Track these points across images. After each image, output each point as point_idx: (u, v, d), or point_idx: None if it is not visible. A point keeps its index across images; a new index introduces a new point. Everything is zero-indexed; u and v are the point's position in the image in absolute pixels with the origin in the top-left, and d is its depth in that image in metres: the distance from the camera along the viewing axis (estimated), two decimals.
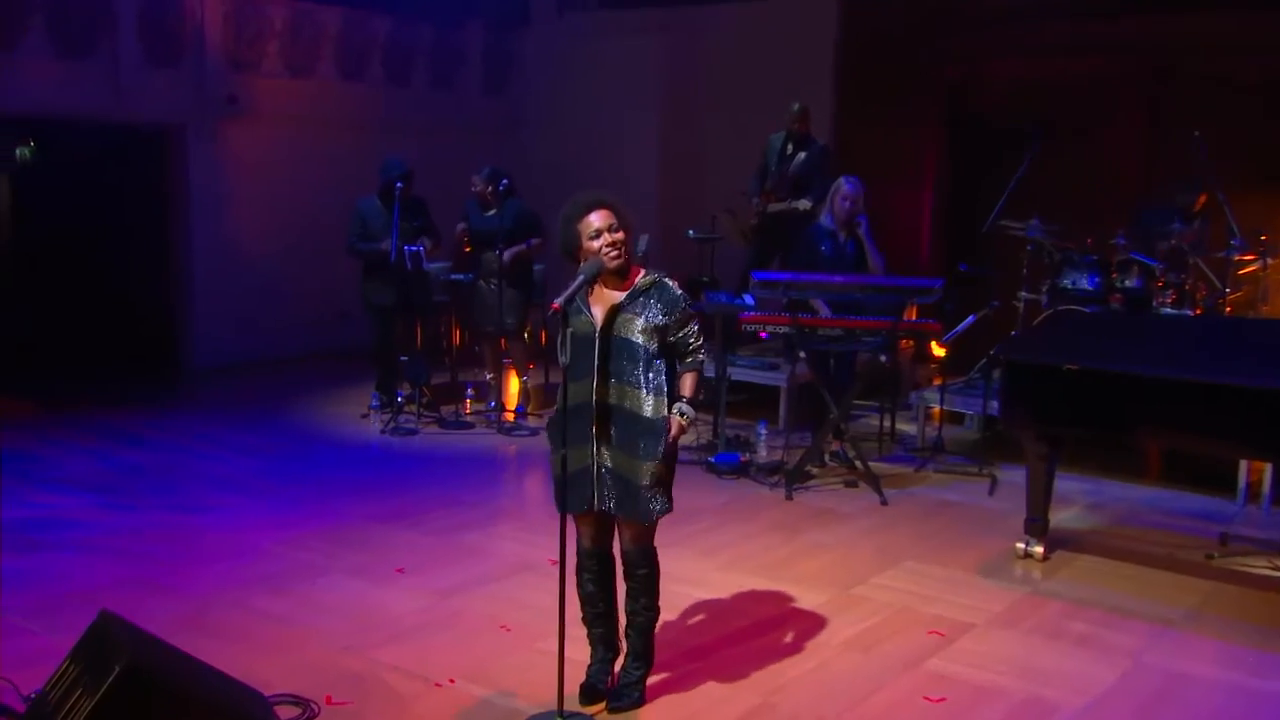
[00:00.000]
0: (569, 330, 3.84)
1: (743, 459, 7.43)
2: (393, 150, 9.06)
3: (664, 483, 3.92)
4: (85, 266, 10.97)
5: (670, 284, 3.91)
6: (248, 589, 5.21)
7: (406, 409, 8.44)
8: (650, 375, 3.83)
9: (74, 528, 6.04)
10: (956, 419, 8.69)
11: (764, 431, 7.72)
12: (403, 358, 8.57)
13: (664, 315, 3.86)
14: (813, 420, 7.63)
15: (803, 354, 7.07)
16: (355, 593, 5.22)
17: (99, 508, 6.42)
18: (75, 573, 5.40)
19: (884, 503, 6.81)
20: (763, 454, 7.60)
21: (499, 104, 12.52)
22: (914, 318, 7.95)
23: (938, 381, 8.27)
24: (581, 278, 3.86)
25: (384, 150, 8.95)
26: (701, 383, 3.98)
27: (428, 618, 4.95)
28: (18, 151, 12.12)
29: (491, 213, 8.53)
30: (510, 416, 8.45)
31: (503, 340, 8.55)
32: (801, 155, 8.82)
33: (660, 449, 3.83)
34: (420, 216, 8.39)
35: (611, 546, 4.18)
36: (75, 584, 5.25)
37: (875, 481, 6.96)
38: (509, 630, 4.81)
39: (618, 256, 3.85)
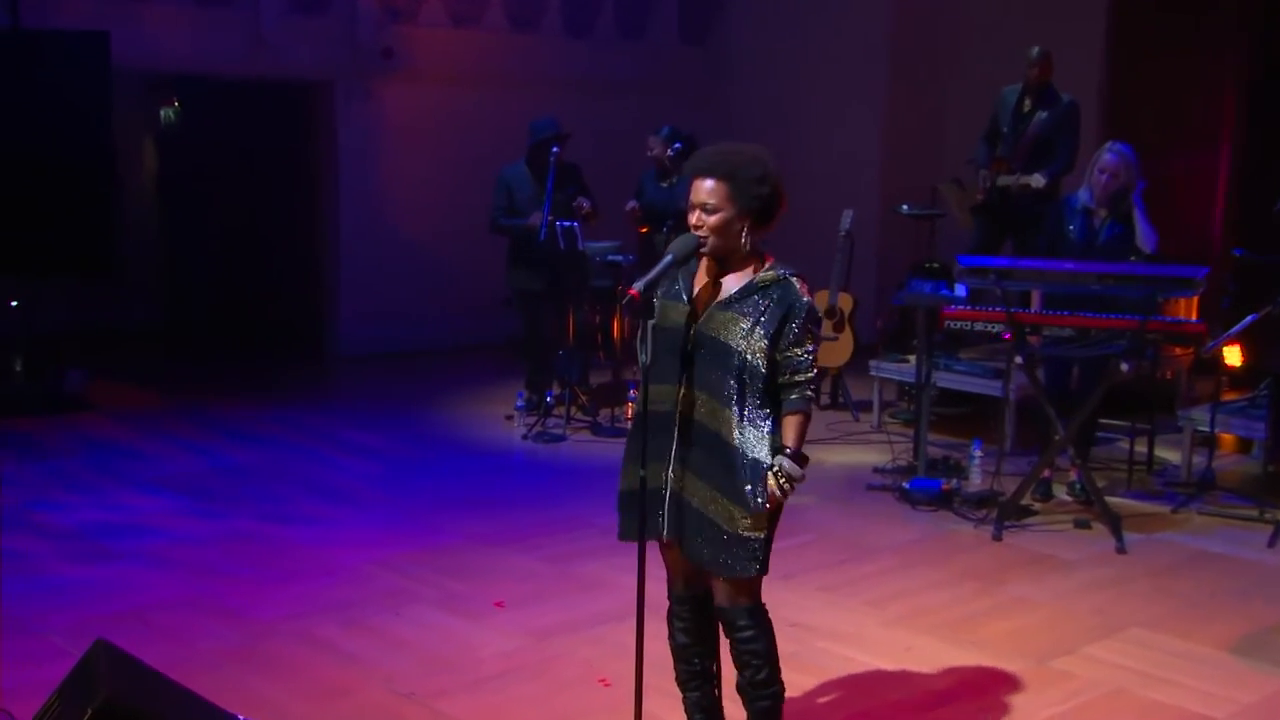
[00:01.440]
0: (651, 323, 3.58)
1: (945, 487, 6.98)
2: (572, 112, 8.94)
3: (758, 537, 3.62)
4: (225, 243, 11.43)
5: (797, 285, 3.61)
6: (318, 617, 5.20)
7: (556, 411, 8.32)
8: (746, 395, 3.56)
9: (152, 536, 6.20)
10: (1245, 446, 7.97)
11: (978, 454, 7.22)
12: (561, 353, 8.49)
13: (778, 323, 3.57)
14: (1043, 442, 7.09)
15: (1020, 359, 6.54)
16: (439, 628, 5.14)
17: (187, 514, 6.59)
18: (137, 588, 5.51)
19: (1121, 550, 6.24)
20: (975, 481, 7.11)
21: (698, 56, 12.32)
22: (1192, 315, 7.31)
23: (1230, 397, 7.58)
24: (669, 258, 3.62)
25: (562, 113, 8.83)
26: (807, 429, 3.64)
27: (515, 663, 4.80)
28: (162, 113, 12.90)
29: (668, 182, 8.33)
30: None
31: None
32: (1043, 114, 8.21)
33: (755, 498, 3.57)
34: (574, 185, 8.30)
35: (709, 590, 3.87)
36: (132, 601, 5.35)
37: (1114, 522, 6.39)
38: (608, 685, 4.59)
39: (704, 242, 3.61)
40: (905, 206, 9.32)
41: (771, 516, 3.63)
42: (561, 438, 8.12)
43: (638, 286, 3.54)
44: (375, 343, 10.65)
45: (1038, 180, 8.09)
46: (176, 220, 11.96)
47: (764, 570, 3.65)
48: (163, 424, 8.37)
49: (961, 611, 5.45)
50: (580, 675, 4.68)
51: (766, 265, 3.64)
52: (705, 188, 3.57)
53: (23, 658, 4.47)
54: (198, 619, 5.14)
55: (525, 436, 8.15)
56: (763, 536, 3.60)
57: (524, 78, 11.04)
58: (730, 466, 3.57)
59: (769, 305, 3.57)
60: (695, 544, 3.66)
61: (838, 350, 9.02)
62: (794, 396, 3.59)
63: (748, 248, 3.62)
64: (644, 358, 3.57)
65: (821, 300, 9.06)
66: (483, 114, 10.78)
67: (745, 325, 3.55)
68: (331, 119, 10.42)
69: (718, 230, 3.58)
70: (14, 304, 9.56)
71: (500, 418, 8.66)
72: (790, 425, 3.59)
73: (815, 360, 3.61)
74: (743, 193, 3.56)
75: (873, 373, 8.85)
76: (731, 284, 3.64)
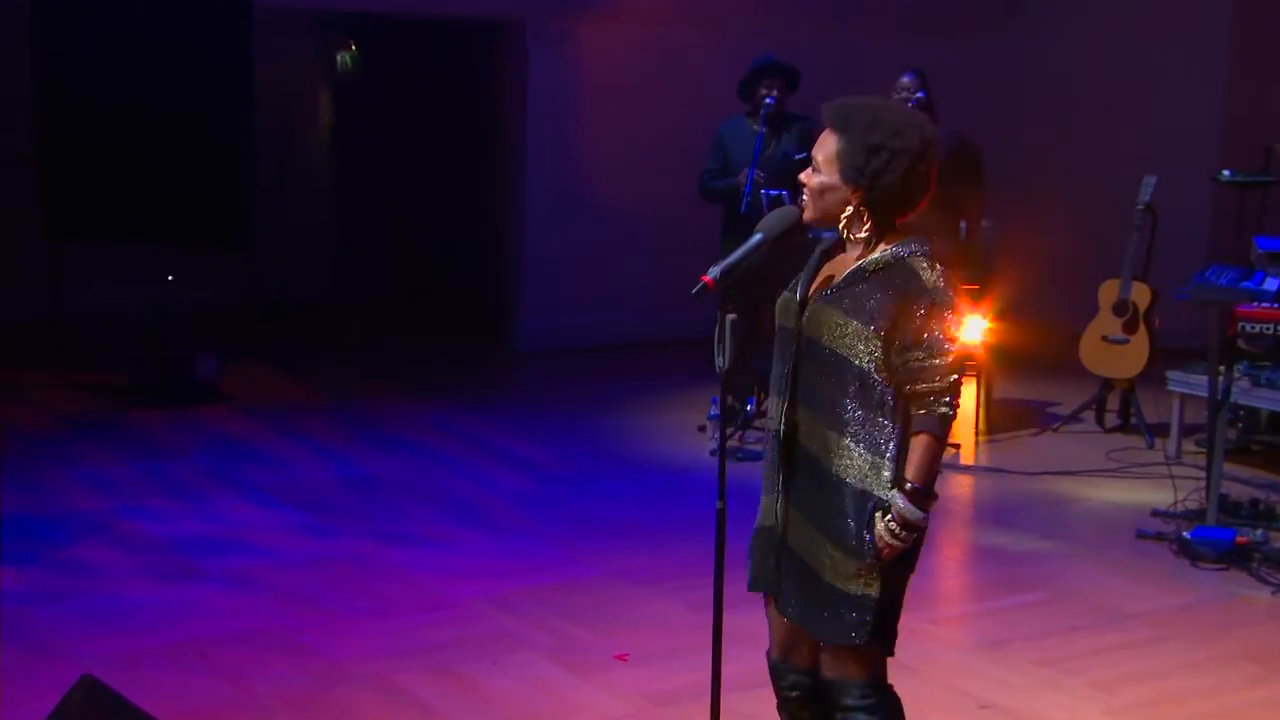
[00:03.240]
0: (731, 318, 3.48)
1: (1240, 539, 6.49)
2: (819, 62, 8.79)
3: (867, 595, 3.43)
4: (400, 211, 11.67)
5: (920, 265, 3.41)
6: (403, 660, 5.21)
7: (758, 423, 8.16)
8: (856, 411, 3.39)
9: (247, 554, 6.34)
10: None
11: None
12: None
13: (891, 317, 3.37)
14: None
15: None
16: (541, 683, 5.09)
17: (294, 530, 6.73)
18: (207, 614, 5.64)
19: None
20: None
21: None
22: None
23: None
24: (757, 236, 3.54)
25: (805, 64, 8.59)
26: (938, 456, 3.42)
27: None
28: (339, 58, 13.28)
29: None
30: None
31: None
32: None
33: (864, 545, 3.40)
34: (797, 145, 8.06)
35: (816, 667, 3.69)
36: (197, 629, 5.46)
37: None
38: None
39: (804, 208, 3.52)
40: (1227, 173, 9.02)
41: (890, 572, 3.45)
42: (759, 455, 7.88)
43: (713, 272, 3.48)
44: (561, 334, 10.66)
45: None
46: (350, 182, 12.30)
47: (882, 647, 3.51)
48: (299, 422, 8.59)
49: (1220, 704, 5.08)
50: None
51: (885, 244, 3.44)
52: (822, 139, 3.50)
53: (47, 690, 4.53)
54: (264, 655, 5.20)
55: (713, 453, 7.97)
56: (873, 596, 3.43)
57: (753, 18, 10.83)
58: (835, 503, 3.43)
59: (879, 294, 3.38)
60: (790, 597, 3.57)
61: (1129, 357, 8.60)
62: (920, 413, 3.40)
63: (862, 233, 3.45)
64: (720, 360, 3.49)
65: (1110, 293, 8.64)
66: (700, 60, 10.63)
67: (849, 322, 3.40)
68: (522, 66, 10.52)
69: (815, 194, 3.47)
70: (170, 278, 10.00)
71: (693, 428, 8.53)
72: (912, 451, 3.40)
73: (951, 364, 3.39)
74: (851, 155, 3.41)
75: (1171, 387, 8.34)
76: (844, 270, 3.50)
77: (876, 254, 3.42)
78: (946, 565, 6.56)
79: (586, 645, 5.38)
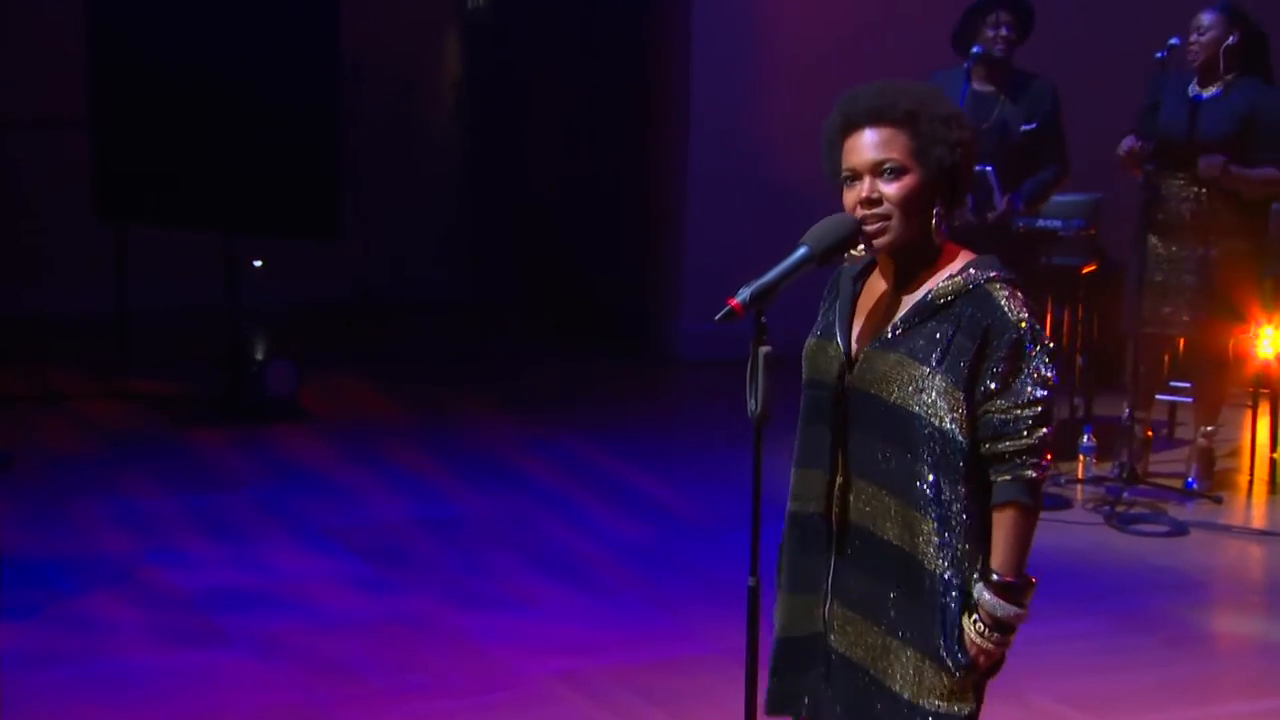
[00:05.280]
0: (765, 350, 3.35)
1: None
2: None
3: (959, 714, 3.35)
4: (538, 189, 11.70)
5: (999, 294, 3.28)
6: None
7: None
8: (946, 487, 3.28)
9: (286, 612, 6.39)
10: None
11: None
12: None
13: (971, 359, 3.30)
14: None
15: None
16: None
17: (349, 584, 6.79)
18: (220, 689, 5.66)
19: None
20: None
21: None
22: None
23: None
24: (800, 251, 3.34)
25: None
26: (1030, 533, 3.31)
27: None
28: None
29: (1212, 91, 7.88)
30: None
31: (1180, 346, 8.37)
32: None
33: (955, 654, 3.31)
34: (1033, 113, 8.00)
35: None
36: (203, 707, 5.51)
37: None
38: None
39: (880, 232, 3.34)
40: None
41: (982, 681, 3.38)
42: None
43: (742, 295, 3.34)
44: (728, 340, 10.49)
45: None
46: (481, 151, 12.37)
47: None
48: (386, 446, 8.66)
49: None
50: None
51: (958, 265, 3.33)
52: (875, 141, 3.32)
53: None
54: None
55: None
56: (963, 716, 3.34)
57: None
58: (915, 600, 3.35)
59: (955, 332, 3.27)
60: (842, 704, 3.47)
61: None
62: (1004, 479, 3.27)
63: (940, 239, 3.35)
64: (753, 405, 3.39)
65: None
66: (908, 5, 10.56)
67: (924, 372, 3.29)
68: (684, 6, 10.54)
69: (906, 206, 3.30)
70: (257, 263, 10.17)
71: None
72: (998, 530, 3.29)
73: (1040, 416, 3.26)
74: (933, 142, 3.30)
75: None
76: (905, 306, 3.39)
77: (950, 281, 3.30)
78: (1177, 654, 6.37)
79: None
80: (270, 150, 8.72)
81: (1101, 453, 8.35)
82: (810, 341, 3.52)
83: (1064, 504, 7.95)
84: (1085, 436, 8.32)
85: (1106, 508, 7.83)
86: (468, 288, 12.28)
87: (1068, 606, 6.53)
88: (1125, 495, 7.87)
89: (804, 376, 3.49)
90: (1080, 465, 8.29)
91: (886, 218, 3.29)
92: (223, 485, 7.93)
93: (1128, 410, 8.18)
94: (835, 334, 3.46)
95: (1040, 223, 8.16)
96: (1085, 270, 9.03)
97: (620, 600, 6.65)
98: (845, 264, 3.52)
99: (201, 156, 8.77)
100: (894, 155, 3.28)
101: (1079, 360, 9.34)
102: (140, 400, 9.29)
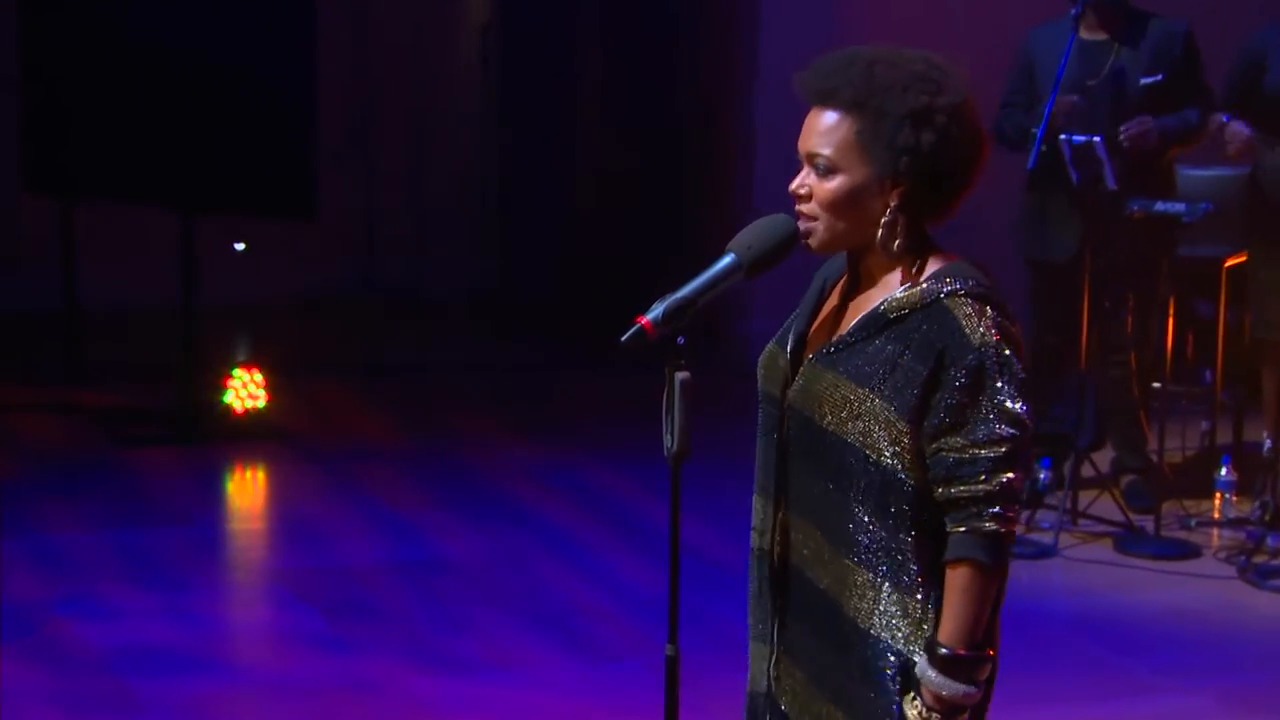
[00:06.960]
0: (681, 378, 3.41)
1: None
2: None
3: None
4: (573, 162, 11.69)
5: (963, 309, 3.33)
6: None
7: (1051, 500, 8.34)
8: (883, 533, 3.37)
9: (213, 676, 6.41)
10: None
11: None
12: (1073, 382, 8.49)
13: (921, 386, 3.32)
14: None
15: None
16: None
17: (294, 641, 6.83)
18: None
19: None
20: None
21: None
22: None
23: None
24: (726, 259, 3.44)
25: None
26: (987, 597, 3.35)
27: None
28: None
29: None
30: None
31: None
32: None
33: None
34: (1157, 64, 8.05)
35: None
36: None
37: None
38: None
39: (808, 232, 3.42)
40: None
41: None
42: (1049, 550, 7.91)
43: (655, 312, 3.40)
44: None
45: None
46: (510, 119, 12.37)
47: None
48: (368, 472, 8.68)
49: None
50: None
51: (923, 275, 3.38)
52: (817, 126, 3.40)
53: None
54: None
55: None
56: None
57: None
58: (851, 661, 3.42)
59: (904, 353, 3.30)
60: None
61: None
62: (959, 530, 3.31)
63: (898, 248, 3.37)
64: (669, 440, 3.46)
65: None
66: None
67: (862, 396, 3.34)
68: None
69: (834, 209, 3.35)
70: (239, 247, 10.13)
71: None
72: (949, 593, 3.33)
73: (1002, 457, 3.28)
74: (882, 140, 3.30)
75: None
76: (854, 317, 3.47)
77: (908, 292, 3.34)
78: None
79: None
80: (237, 117, 8.65)
81: (1242, 489, 8.32)
82: (767, 347, 3.57)
83: (1192, 552, 7.90)
84: (1223, 469, 8.35)
85: (1243, 558, 7.72)
86: (495, 280, 12.25)
87: (1173, 681, 6.58)
88: (1268, 542, 7.76)
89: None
90: (1217, 504, 8.31)
91: (812, 218, 3.37)
92: (159, 518, 7.93)
93: (1268, 438, 8.08)
94: (788, 342, 3.51)
95: (1159, 206, 8.05)
96: (1230, 263, 8.89)
97: (622, 667, 6.60)
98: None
99: (156, 123, 8.69)
100: (825, 151, 3.34)
101: (1205, 375, 9.28)
102: (82, 414, 9.30)
